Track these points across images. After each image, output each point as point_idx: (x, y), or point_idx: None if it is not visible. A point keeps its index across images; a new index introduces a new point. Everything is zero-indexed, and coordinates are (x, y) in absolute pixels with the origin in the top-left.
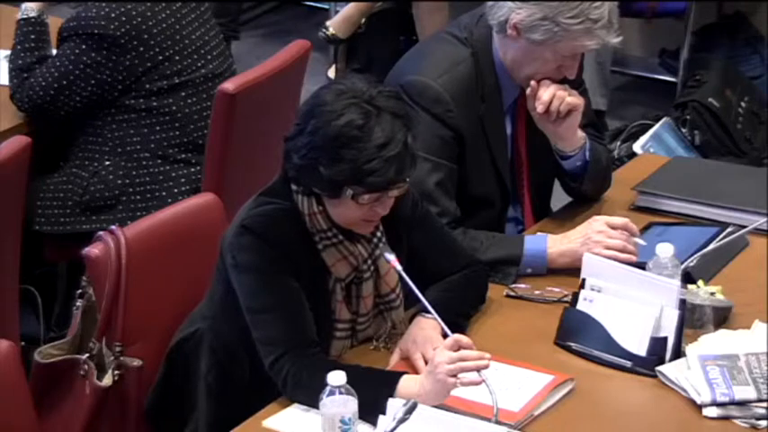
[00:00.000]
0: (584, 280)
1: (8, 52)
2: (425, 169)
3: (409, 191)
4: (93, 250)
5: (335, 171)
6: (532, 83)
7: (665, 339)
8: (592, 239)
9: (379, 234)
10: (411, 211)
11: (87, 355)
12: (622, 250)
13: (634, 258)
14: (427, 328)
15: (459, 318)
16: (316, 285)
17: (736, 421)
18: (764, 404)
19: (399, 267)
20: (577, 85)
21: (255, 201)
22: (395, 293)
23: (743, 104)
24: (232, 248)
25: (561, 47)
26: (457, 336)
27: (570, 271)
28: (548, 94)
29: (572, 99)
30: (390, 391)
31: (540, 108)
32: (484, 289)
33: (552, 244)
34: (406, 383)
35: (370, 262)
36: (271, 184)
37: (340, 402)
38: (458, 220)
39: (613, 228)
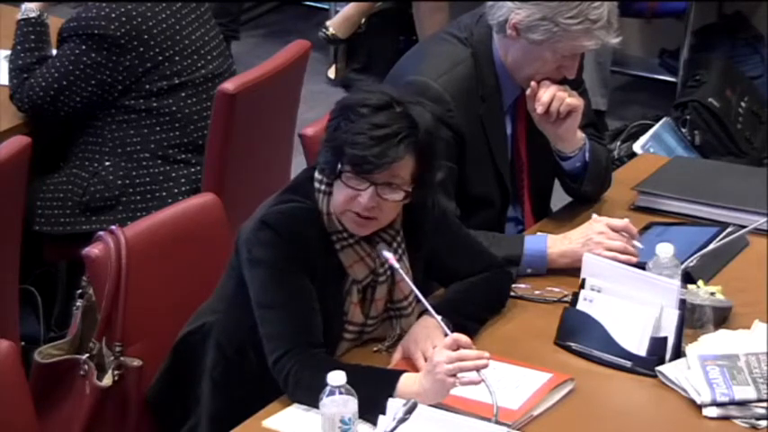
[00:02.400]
0: (584, 280)
1: (8, 52)
2: None
3: (427, 197)
4: (93, 250)
5: (329, 137)
6: (532, 84)
7: (665, 339)
8: (593, 240)
9: (399, 239)
10: (430, 215)
11: (87, 355)
12: (623, 251)
13: (634, 260)
14: (430, 327)
15: (468, 321)
16: (331, 286)
17: (736, 421)
18: (764, 404)
19: (397, 265)
20: (577, 85)
21: (277, 197)
22: (407, 301)
23: (743, 104)
24: (249, 243)
25: (560, 47)
26: (456, 335)
27: (570, 271)
28: (547, 95)
29: (572, 100)
30: (390, 390)
31: (539, 109)
32: (504, 292)
33: (552, 244)
34: (406, 382)
35: (387, 266)
36: (293, 181)
37: (340, 402)
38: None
39: (614, 229)
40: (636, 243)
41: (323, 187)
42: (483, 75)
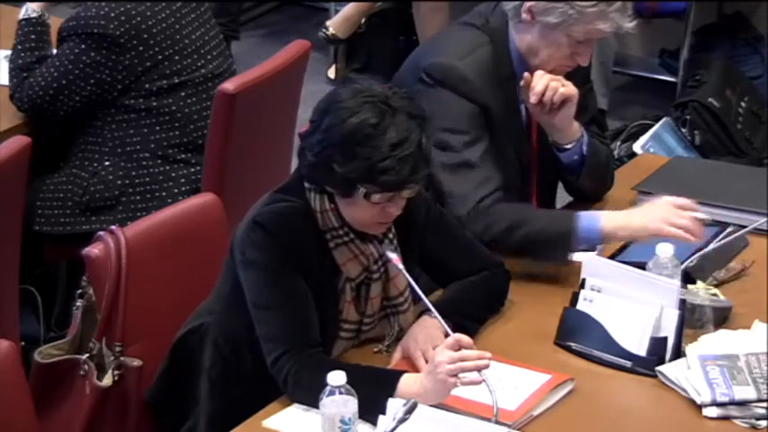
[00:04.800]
0: (584, 280)
1: (8, 52)
2: (462, 142)
3: (422, 194)
4: (93, 250)
5: (349, 169)
6: (526, 75)
7: (665, 339)
8: (661, 216)
9: (390, 236)
10: (425, 214)
11: (87, 355)
12: (688, 230)
13: (699, 241)
14: (430, 327)
15: (467, 320)
16: (325, 284)
17: (736, 421)
18: (764, 404)
19: (401, 266)
20: (585, 82)
21: (269, 197)
22: (403, 297)
23: (743, 104)
24: (242, 244)
25: (576, 30)
26: (458, 335)
27: (570, 271)
28: (541, 85)
29: (565, 90)
30: (390, 391)
31: (533, 99)
32: (503, 292)
33: (608, 218)
34: (407, 382)
35: (380, 263)
36: (285, 181)
37: (340, 402)
38: (503, 189)
39: (679, 207)
40: (700, 215)
41: (314, 186)
42: (500, 62)
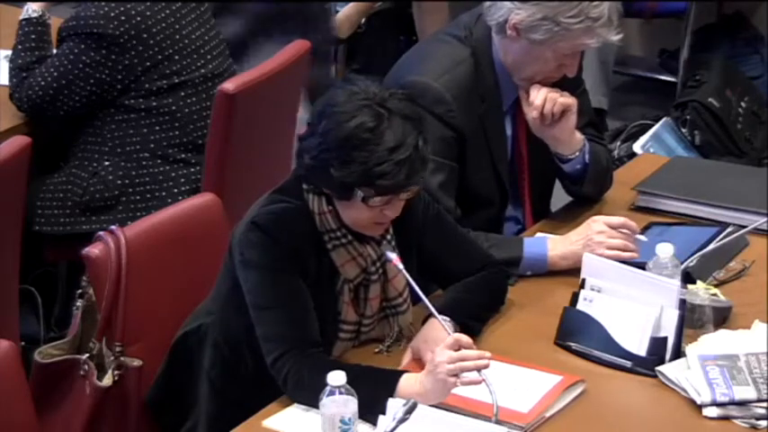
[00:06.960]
0: (584, 280)
1: (8, 52)
2: (428, 169)
3: (420, 193)
4: (93, 250)
5: (346, 173)
6: (521, 93)
7: (665, 339)
8: (593, 240)
9: (388, 237)
10: (423, 214)
11: (87, 355)
12: (624, 249)
13: (636, 256)
14: (438, 328)
15: (469, 320)
16: (323, 285)
17: (736, 421)
18: (764, 404)
19: (401, 266)
20: (577, 85)
21: (267, 198)
22: (402, 298)
23: (743, 104)
24: (241, 244)
25: (562, 46)
26: (457, 335)
27: (570, 271)
28: (540, 98)
29: (564, 99)
30: (390, 391)
31: (534, 113)
32: (502, 291)
33: (553, 246)
34: (407, 382)
35: (378, 264)
36: (283, 182)
37: (340, 402)
38: (458, 220)
39: (612, 227)
40: (638, 237)
41: (312, 187)
42: (483, 75)
